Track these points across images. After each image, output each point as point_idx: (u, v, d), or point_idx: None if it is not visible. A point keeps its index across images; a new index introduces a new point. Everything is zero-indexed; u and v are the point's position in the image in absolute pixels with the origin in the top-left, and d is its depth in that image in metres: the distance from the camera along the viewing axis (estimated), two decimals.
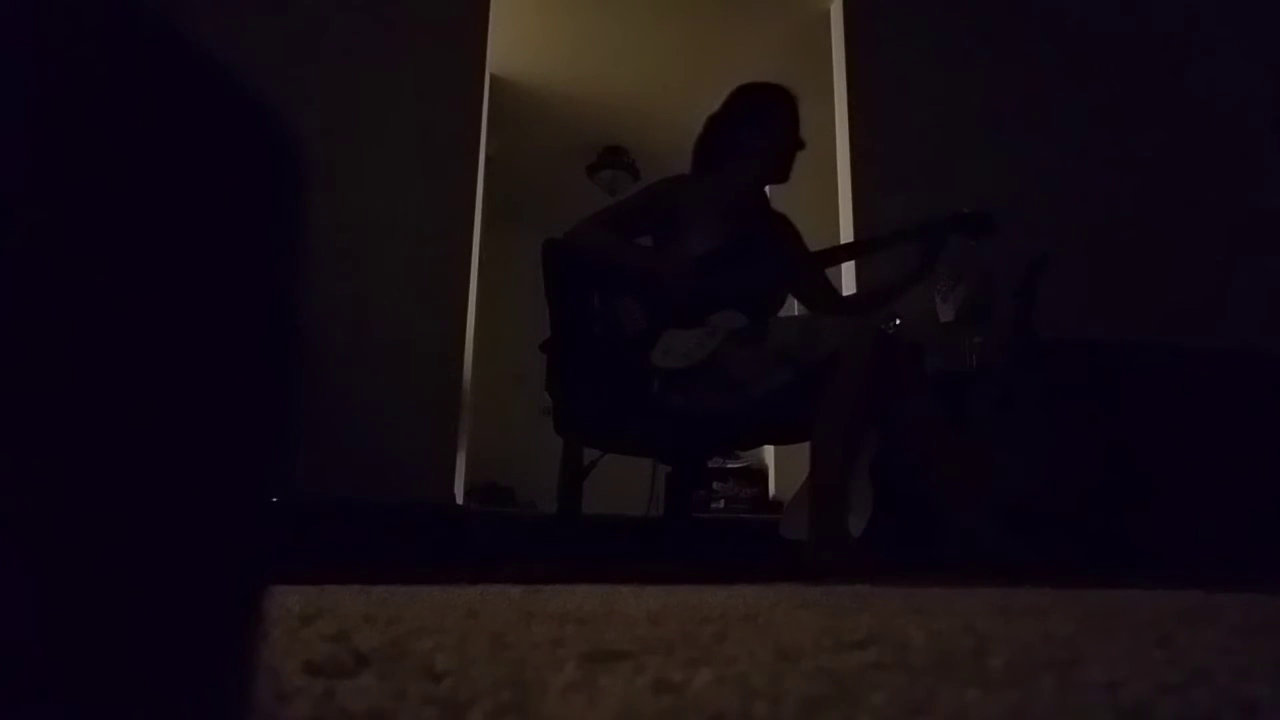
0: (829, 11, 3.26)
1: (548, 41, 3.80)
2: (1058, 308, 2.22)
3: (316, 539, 1.87)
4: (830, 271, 2.11)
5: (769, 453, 4.37)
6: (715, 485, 4.10)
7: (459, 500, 2.81)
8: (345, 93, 2.69)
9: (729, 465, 4.17)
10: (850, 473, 1.54)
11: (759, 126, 1.88)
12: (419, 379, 2.55)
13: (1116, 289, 2.78)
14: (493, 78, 3.47)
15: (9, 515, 0.15)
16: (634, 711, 0.31)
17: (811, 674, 0.37)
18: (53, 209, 0.16)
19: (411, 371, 2.55)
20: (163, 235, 0.18)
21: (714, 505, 4.04)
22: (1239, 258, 2.88)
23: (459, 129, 2.80)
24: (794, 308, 2.05)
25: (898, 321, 2.30)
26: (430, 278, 2.65)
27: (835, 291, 2.04)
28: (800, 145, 1.90)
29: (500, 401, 5.09)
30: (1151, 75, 3.10)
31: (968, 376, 2.20)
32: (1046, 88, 3.07)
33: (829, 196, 3.06)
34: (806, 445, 1.58)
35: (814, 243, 2.01)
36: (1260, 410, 1.77)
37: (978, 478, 1.64)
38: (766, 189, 2.02)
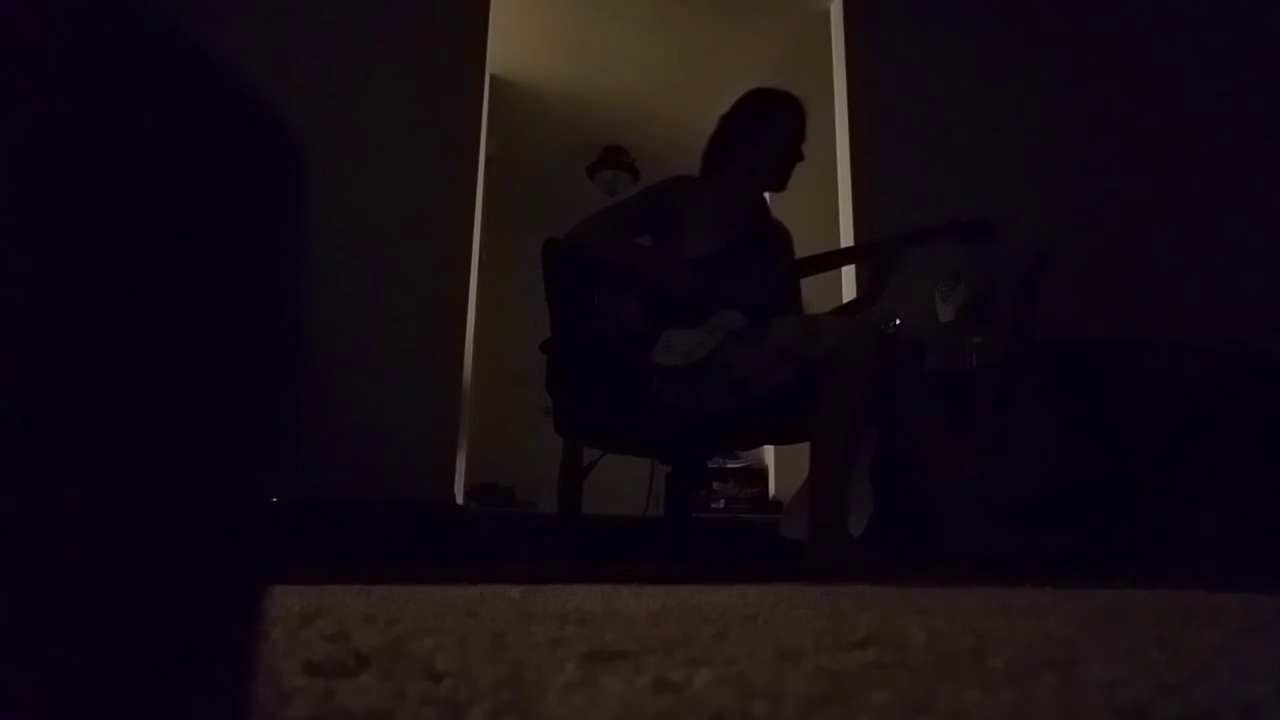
0: (829, 11, 3.26)
1: (548, 41, 3.80)
2: (1058, 308, 2.22)
3: (316, 539, 1.87)
4: (830, 274, 2.10)
5: (769, 453, 4.36)
6: (715, 485, 4.09)
7: (459, 500, 2.80)
8: (345, 93, 2.69)
9: (729, 465, 4.16)
10: (850, 472, 1.54)
11: (761, 131, 1.89)
12: (419, 379, 2.55)
13: (1116, 289, 2.78)
14: (493, 78, 3.47)
15: (5, 515, 0.15)
16: (634, 711, 0.31)
17: (811, 674, 0.37)
18: (50, 208, 0.16)
19: (411, 371, 2.55)
20: (161, 236, 0.18)
21: (714, 505, 4.03)
22: (1239, 258, 2.88)
23: (459, 129, 2.80)
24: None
25: (898, 321, 2.30)
26: (430, 278, 2.65)
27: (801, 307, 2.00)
28: (799, 157, 1.91)
29: (500, 401, 5.08)
30: (1152, 75, 3.10)
31: (968, 376, 2.20)
32: (1046, 87, 3.07)
33: (829, 197, 3.06)
34: (806, 445, 1.58)
35: (814, 244, 2.01)
36: (1260, 410, 1.77)
37: (977, 477, 1.64)
38: (766, 196, 2.02)
